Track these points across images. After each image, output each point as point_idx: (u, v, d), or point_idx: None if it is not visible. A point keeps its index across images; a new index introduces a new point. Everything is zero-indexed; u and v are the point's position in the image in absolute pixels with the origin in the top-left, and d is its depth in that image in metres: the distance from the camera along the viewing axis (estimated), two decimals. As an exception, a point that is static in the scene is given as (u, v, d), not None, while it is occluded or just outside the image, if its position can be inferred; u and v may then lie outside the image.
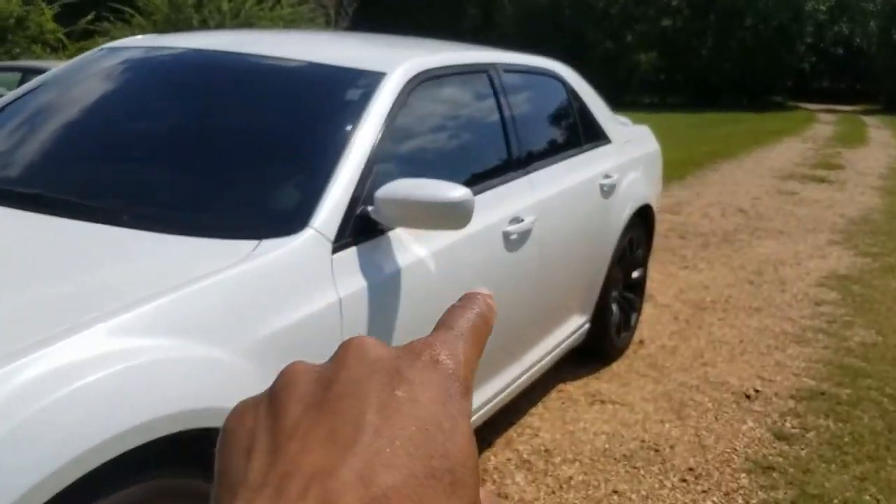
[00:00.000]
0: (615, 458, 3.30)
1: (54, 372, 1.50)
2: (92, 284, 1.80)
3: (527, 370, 3.25)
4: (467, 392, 0.35)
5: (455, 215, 2.23)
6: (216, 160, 2.39)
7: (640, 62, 29.16)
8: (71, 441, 1.45)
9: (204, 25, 12.47)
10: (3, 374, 1.44)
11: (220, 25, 12.61)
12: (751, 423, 3.67)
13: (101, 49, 3.11)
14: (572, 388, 3.95)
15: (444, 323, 0.38)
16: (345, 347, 0.36)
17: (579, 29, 28.20)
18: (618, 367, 4.24)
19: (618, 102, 24.47)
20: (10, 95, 2.90)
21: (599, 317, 3.97)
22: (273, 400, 0.35)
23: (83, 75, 2.84)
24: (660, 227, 7.52)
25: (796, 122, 21.81)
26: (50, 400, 1.46)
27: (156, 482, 1.64)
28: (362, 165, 2.30)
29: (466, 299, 0.40)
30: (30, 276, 1.85)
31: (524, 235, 2.97)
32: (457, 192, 2.22)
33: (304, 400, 0.34)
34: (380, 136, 2.41)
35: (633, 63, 29.09)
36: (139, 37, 3.24)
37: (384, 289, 2.22)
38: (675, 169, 11.03)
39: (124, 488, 1.58)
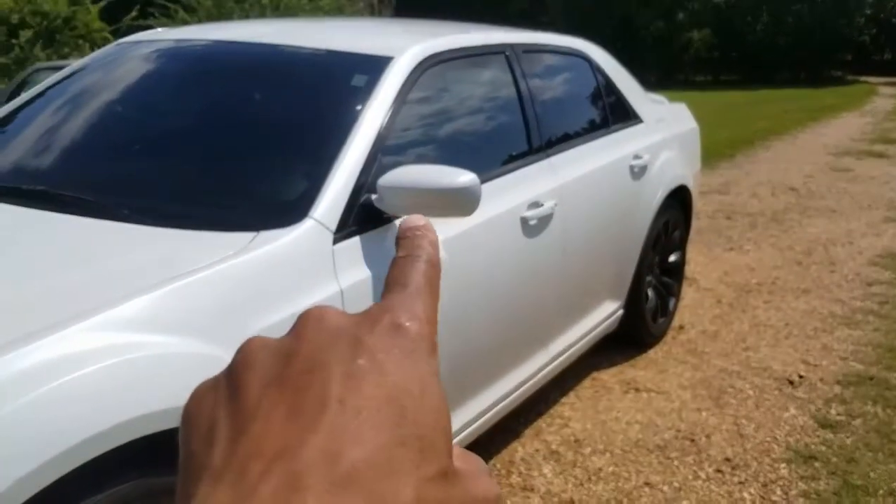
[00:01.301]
0: (648, 449, 3.20)
1: (45, 365, 1.48)
2: (85, 280, 1.78)
3: (554, 358, 3.17)
4: (433, 351, 0.34)
5: (461, 202, 2.16)
6: (216, 151, 2.35)
7: (692, 40, 28.55)
8: (60, 436, 1.43)
9: (246, 19, 12.56)
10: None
11: (260, 18, 12.71)
12: (793, 411, 3.53)
13: (118, 44, 3.10)
14: (606, 376, 3.84)
15: (396, 281, 0.36)
16: (303, 319, 0.35)
17: (629, 8, 27.69)
18: (655, 353, 4.12)
19: (671, 81, 24.00)
20: (26, 95, 2.91)
21: (634, 303, 3.85)
22: (231, 379, 0.33)
23: (94, 72, 2.83)
24: (706, 207, 7.35)
25: (855, 96, 21.11)
26: (38, 394, 1.44)
27: (149, 480, 1.61)
28: (367, 153, 2.24)
29: (409, 245, 0.38)
30: (27, 271, 1.83)
31: (545, 220, 2.87)
32: (462, 177, 2.14)
33: (264, 377, 0.32)
34: (386, 122, 2.34)
35: (686, 41, 28.49)
36: (153, 30, 3.22)
37: (389, 279, 2.16)
38: (726, 147, 10.79)
39: (117, 485, 1.55)
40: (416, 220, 0.40)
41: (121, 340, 1.60)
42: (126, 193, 2.24)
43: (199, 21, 12.78)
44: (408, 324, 0.34)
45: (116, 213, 2.08)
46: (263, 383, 0.32)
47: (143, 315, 1.67)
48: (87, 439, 1.45)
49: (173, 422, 1.60)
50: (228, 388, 0.33)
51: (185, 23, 12.52)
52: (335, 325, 0.34)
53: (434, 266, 0.37)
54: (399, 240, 0.39)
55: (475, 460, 0.35)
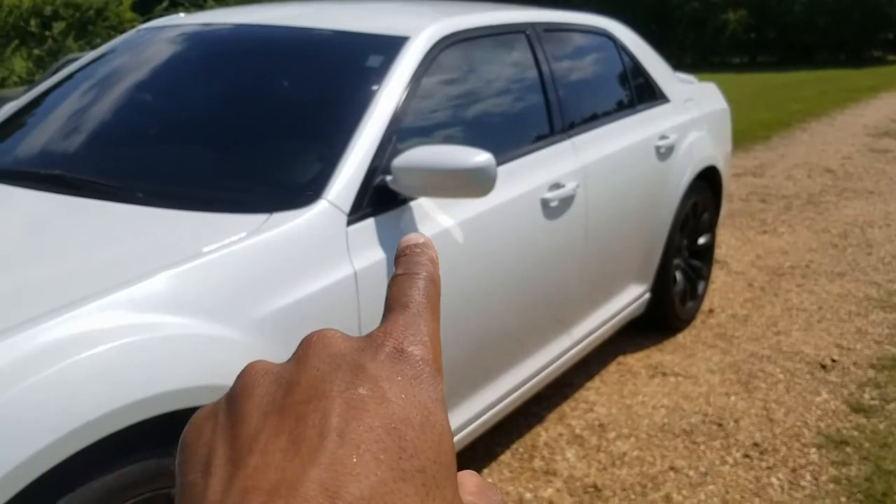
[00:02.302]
0: (674, 433, 3.15)
1: (58, 344, 1.49)
2: (99, 261, 1.78)
3: (577, 342, 3.13)
4: (438, 374, 0.33)
5: (477, 182, 2.13)
6: (230, 134, 2.35)
7: (728, 21, 28.06)
8: (72, 414, 1.43)
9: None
10: (9, 343, 1.43)
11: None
12: (825, 395, 3.45)
13: (138, 30, 3.11)
14: (633, 361, 3.79)
15: (397, 301, 0.35)
16: (306, 343, 0.34)
17: (664, -11, 27.26)
18: (683, 337, 4.06)
19: (706, 64, 23.55)
20: (48, 82, 2.93)
21: (661, 286, 3.79)
22: (231, 407, 0.33)
23: (112, 59, 2.84)
24: (740, 190, 7.23)
25: (896, 76, 20.62)
26: (51, 372, 1.44)
27: (161, 460, 1.61)
28: (381, 134, 2.21)
29: (409, 263, 0.37)
30: (43, 253, 1.84)
31: (566, 202, 2.83)
32: (477, 157, 2.11)
33: (264, 405, 0.32)
34: (401, 103, 2.31)
35: (722, 22, 28.00)
36: (173, 16, 3.22)
37: (404, 261, 2.14)
38: (761, 129, 10.60)
39: (129, 464, 1.55)
40: (415, 237, 0.39)
41: (132, 321, 1.60)
42: (140, 177, 2.24)
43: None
44: (411, 348, 0.33)
45: (130, 196, 2.08)
46: (263, 412, 0.31)
47: (156, 296, 1.67)
48: (99, 418, 1.46)
49: (184, 402, 1.60)
50: (228, 416, 0.32)
51: (215, 11, 12.59)
52: (338, 350, 0.33)
53: (434, 283, 0.37)
54: (398, 258, 0.38)
55: (491, 495, 0.34)
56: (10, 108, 2.91)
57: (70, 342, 1.50)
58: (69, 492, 1.47)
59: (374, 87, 2.30)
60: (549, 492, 2.76)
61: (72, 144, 2.46)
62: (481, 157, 2.11)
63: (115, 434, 1.51)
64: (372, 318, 2.02)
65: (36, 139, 2.59)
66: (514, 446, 3.04)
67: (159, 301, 1.66)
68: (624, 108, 3.51)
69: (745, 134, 9.82)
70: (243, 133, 2.34)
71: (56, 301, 1.58)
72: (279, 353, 1.80)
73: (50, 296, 1.60)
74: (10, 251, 1.85)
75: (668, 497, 2.74)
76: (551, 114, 2.95)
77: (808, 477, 2.86)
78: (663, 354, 3.86)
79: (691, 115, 3.94)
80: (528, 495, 2.74)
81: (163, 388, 1.56)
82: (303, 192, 2.06)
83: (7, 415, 1.37)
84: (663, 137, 3.59)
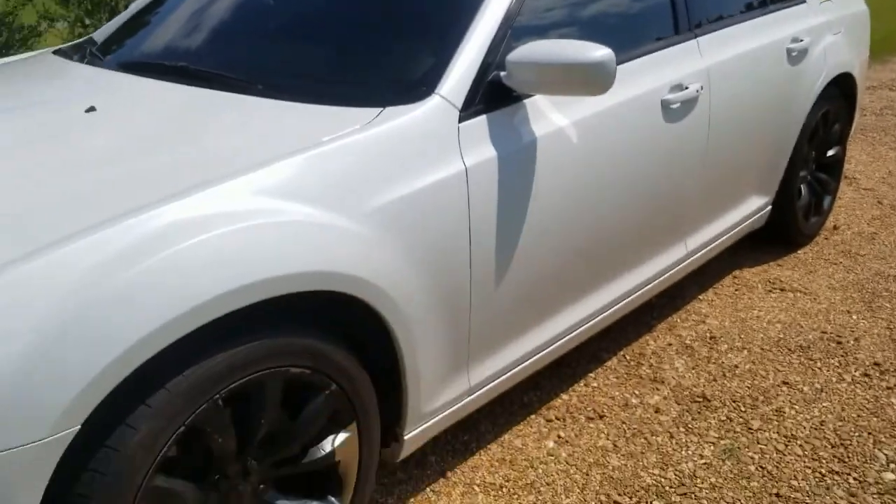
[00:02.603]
0: (789, 349, 3.06)
1: (180, 225, 1.53)
2: (223, 148, 1.82)
3: (692, 252, 3.04)
4: None
5: (594, 79, 2.05)
6: (345, 28, 2.33)
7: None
8: (191, 291, 1.48)
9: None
10: (130, 223, 1.49)
11: None
12: (956, 318, 3.27)
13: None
14: (749, 275, 3.68)
15: None
16: None
17: None
18: (805, 253, 3.90)
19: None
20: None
21: (784, 199, 3.63)
22: None
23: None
24: (874, 104, 6.78)
25: None
26: (174, 250, 1.49)
27: (271, 341, 1.67)
28: (496, 28, 2.16)
29: None
30: (168, 140, 1.89)
31: (688, 105, 2.72)
32: (596, 52, 2.03)
33: None
34: (518, -4, 2.24)
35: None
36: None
37: (516, 159, 2.11)
38: (903, 40, 9.85)
39: (240, 344, 1.62)
40: None
41: (252, 206, 1.63)
42: (259, 70, 2.27)
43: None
44: None
45: (250, 88, 2.11)
46: None
47: (274, 183, 1.69)
48: (217, 297, 1.50)
49: (299, 286, 1.65)
50: None
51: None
52: None
53: None
54: None
55: None
56: (136, 6, 2.99)
57: (191, 224, 1.54)
58: (190, 366, 1.54)
59: (491, -20, 2.23)
60: (655, 399, 2.74)
61: (195, 40, 2.51)
62: (600, 52, 2.03)
63: (231, 314, 1.56)
64: (481, 214, 2.01)
65: (161, 35, 2.65)
66: (622, 353, 3.02)
67: (278, 187, 1.69)
68: (755, 7, 3.31)
69: (884, 44, 9.15)
70: (358, 27, 2.32)
71: (179, 185, 1.62)
72: (390, 244, 1.82)
73: (173, 180, 1.65)
74: (138, 138, 1.92)
75: (779, 411, 2.68)
76: (676, 11, 2.81)
77: (932, 399, 2.74)
78: (782, 270, 3.73)
79: (827, 17, 3.69)
80: (634, 400, 2.73)
81: (279, 272, 1.60)
82: (416, 86, 2.04)
83: (127, 294, 1.42)
84: (796, 40, 3.38)
